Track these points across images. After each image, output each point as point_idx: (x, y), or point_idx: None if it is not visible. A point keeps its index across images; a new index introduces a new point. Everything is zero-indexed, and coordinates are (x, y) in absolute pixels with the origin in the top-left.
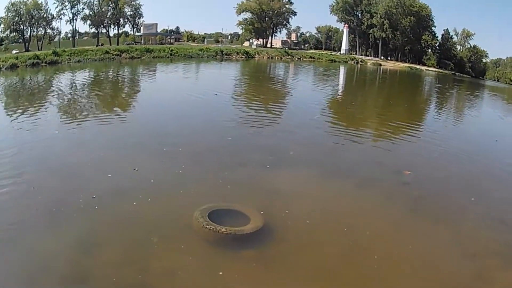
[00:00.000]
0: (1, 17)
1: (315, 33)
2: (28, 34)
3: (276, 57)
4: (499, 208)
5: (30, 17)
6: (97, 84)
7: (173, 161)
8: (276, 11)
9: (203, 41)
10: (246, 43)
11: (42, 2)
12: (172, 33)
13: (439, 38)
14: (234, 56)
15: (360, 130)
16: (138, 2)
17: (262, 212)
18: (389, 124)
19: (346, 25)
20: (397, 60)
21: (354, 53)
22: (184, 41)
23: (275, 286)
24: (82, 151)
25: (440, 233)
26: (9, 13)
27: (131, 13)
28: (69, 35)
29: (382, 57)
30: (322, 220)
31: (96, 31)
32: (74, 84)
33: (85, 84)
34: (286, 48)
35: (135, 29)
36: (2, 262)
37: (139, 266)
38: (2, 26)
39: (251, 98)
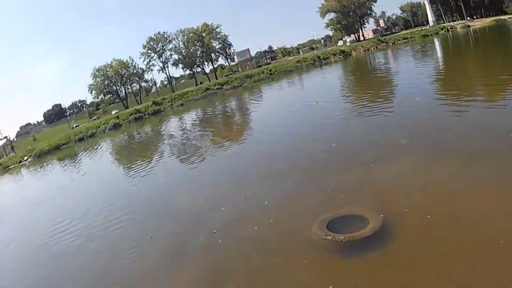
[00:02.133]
0: (91, 84)
1: (401, 13)
2: (123, 92)
3: (372, 48)
4: None
5: (120, 77)
6: (205, 121)
7: (282, 179)
8: (357, 3)
9: (298, 52)
10: (340, 43)
11: (127, 60)
12: (266, 53)
13: None
14: (332, 59)
15: (470, 97)
16: (223, 34)
17: (381, 215)
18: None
19: None
20: (482, 17)
21: (441, 22)
22: (280, 58)
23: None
24: (189, 190)
25: None
26: (97, 79)
27: (220, 45)
28: (165, 82)
29: (468, 18)
30: (444, 212)
31: (192, 72)
32: (182, 127)
33: (194, 123)
34: (378, 36)
35: (229, 59)
36: None
37: None
38: (94, 92)
39: (359, 93)
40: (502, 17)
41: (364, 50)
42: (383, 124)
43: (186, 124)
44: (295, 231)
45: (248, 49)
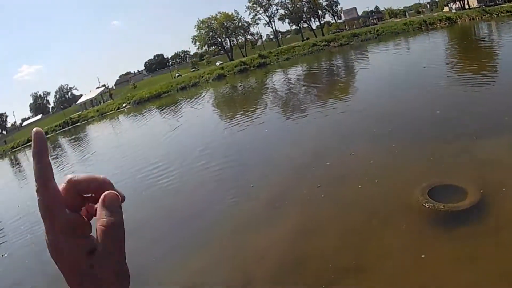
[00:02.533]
0: (195, 36)
1: None
2: (228, 44)
3: (477, 18)
4: None
5: (225, 29)
6: (312, 77)
7: (387, 140)
8: None
9: (405, 14)
10: (446, 9)
11: (232, 13)
12: (373, 13)
13: None
14: (438, 24)
15: None
16: None
17: (481, 191)
18: None
19: None
20: None
21: None
22: (386, 19)
23: (489, 261)
24: (296, 144)
25: None
26: (201, 30)
27: (327, 2)
28: (271, 36)
29: None
30: None
31: (298, 27)
32: (288, 81)
33: (299, 78)
34: (483, 6)
35: (335, 17)
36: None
37: (357, 251)
38: (198, 43)
39: (464, 63)
40: None
41: (470, 19)
42: (486, 97)
43: (291, 78)
44: (397, 194)
45: (355, 7)
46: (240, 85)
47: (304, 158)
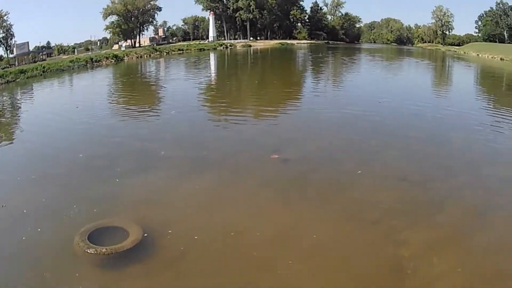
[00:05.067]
0: None
1: (182, 25)
2: None
3: (145, 55)
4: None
5: None
6: None
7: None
8: (141, 9)
9: (74, 51)
10: (115, 47)
11: None
12: (44, 48)
13: (308, 11)
14: (104, 62)
15: (238, 115)
16: (9, 22)
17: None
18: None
19: (211, 12)
20: (267, 39)
21: (222, 38)
22: (55, 55)
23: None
24: None
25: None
26: None
27: (3, 34)
28: None
29: (251, 38)
30: (205, 225)
31: None
32: None
33: None
34: (154, 45)
35: (8, 51)
36: None
37: None
38: None
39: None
40: (289, 41)
41: (137, 57)
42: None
43: None
44: (61, 242)
45: (27, 42)
46: None
47: None
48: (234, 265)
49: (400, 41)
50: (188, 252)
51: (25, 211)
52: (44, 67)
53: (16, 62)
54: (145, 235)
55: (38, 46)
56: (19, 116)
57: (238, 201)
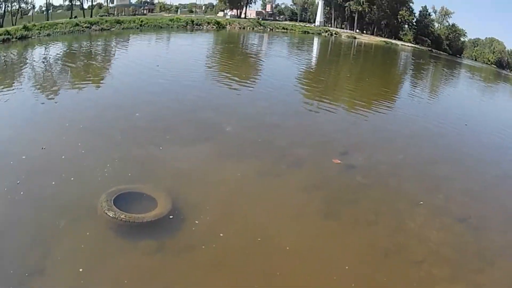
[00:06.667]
0: None
1: (291, 4)
2: (3, 9)
3: (248, 28)
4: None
5: None
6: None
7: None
8: None
9: (177, 11)
10: (220, 14)
11: None
12: (146, 3)
13: (417, 14)
14: (205, 26)
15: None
16: None
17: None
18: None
19: None
20: (372, 34)
21: (329, 25)
22: (157, 12)
23: (176, 278)
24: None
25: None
26: None
27: None
28: (43, 8)
29: (357, 30)
30: (235, 224)
31: (70, 3)
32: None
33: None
34: (260, 19)
35: (109, 1)
36: None
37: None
38: None
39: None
40: (394, 41)
41: (240, 28)
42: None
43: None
44: (89, 195)
45: None
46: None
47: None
48: (249, 276)
49: (500, 64)
50: (208, 248)
51: (63, 156)
52: (142, 21)
53: (115, 12)
54: (171, 217)
55: (141, 0)
56: (108, 63)
57: (276, 202)
